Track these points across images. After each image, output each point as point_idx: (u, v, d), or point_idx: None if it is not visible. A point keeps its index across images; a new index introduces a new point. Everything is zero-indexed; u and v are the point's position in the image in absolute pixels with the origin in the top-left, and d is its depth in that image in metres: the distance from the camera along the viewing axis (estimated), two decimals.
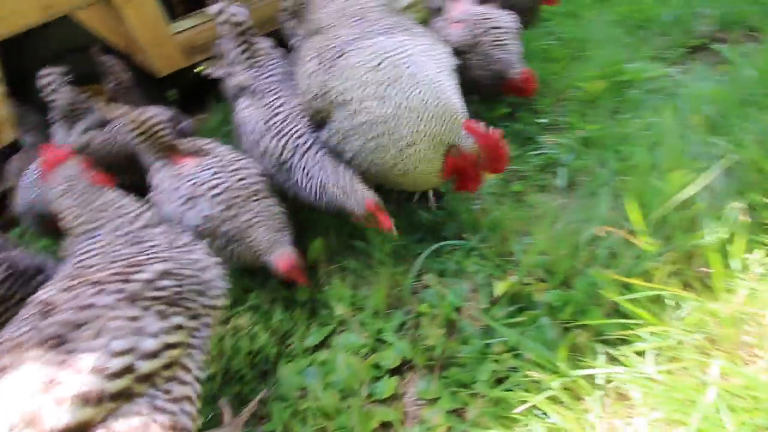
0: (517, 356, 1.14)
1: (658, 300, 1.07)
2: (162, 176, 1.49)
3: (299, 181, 1.50)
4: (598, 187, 1.52)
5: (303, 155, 1.50)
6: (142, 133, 1.50)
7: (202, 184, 1.40)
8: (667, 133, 1.47)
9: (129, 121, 1.50)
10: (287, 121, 1.56)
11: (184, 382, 0.93)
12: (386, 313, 1.43)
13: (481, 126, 1.31)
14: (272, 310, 1.58)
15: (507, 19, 1.96)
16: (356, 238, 1.65)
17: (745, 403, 0.88)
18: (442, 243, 1.51)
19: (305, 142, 1.51)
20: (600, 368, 1.00)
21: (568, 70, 2.22)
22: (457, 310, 1.35)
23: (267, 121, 1.58)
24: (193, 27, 2.74)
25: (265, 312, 1.59)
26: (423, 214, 1.71)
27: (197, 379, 0.98)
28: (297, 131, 1.54)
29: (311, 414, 1.22)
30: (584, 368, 1.02)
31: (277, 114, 1.58)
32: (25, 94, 2.69)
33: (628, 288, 1.09)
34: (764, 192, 1.20)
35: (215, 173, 1.42)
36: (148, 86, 2.72)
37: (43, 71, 2.10)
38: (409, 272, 1.49)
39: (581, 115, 1.93)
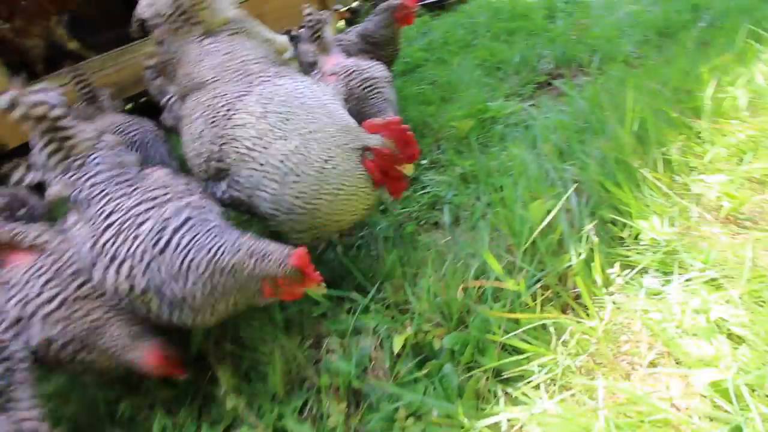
0: (423, 417, 1.07)
1: (543, 328, 1.10)
2: None
3: (175, 281, 1.10)
4: (477, 221, 1.58)
5: (163, 251, 1.11)
6: None
7: (30, 301, 1.14)
8: (526, 164, 1.61)
9: None
10: (126, 226, 1.14)
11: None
12: (285, 394, 1.28)
13: (377, 119, 1.35)
14: (150, 418, 1.33)
15: (378, 68, 2.05)
16: (243, 315, 1.48)
17: (631, 420, 0.91)
18: (337, 300, 1.43)
19: (160, 233, 1.12)
20: (501, 413, 0.98)
21: (442, 111, 2.39)
22: (364, 371, 1.26)
23: (95, 243, 1.15)
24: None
25: (143, 422, 1.33)
26: (320, 272, 1.62)
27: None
28: (143, 230, 1.13)
29: None
30: (488, 416, 0.99)
31: (108, 227, 1.15)
32: None
33: (516, 322, 1.11)
34: (611, 208, 1.34)
35: (47, 282, 1.16)
36: None
37: None
38: (307, 342, 1.37)
39: (457, 152, 2.05)
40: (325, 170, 1.30)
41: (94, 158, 1.28)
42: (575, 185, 1.38)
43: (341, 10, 3.02)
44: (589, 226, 1.19)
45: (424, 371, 1.18)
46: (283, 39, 1.86)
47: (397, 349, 1.22)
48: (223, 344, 1.44)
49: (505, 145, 1.95)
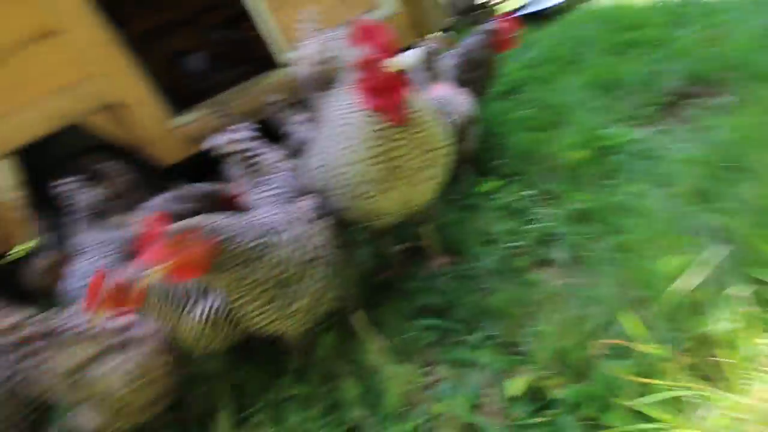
0: None
1: (679, 398, 1.05)
2: None
3: None
4: (597, 264, 1.53)
5: None
6: None
7: None
8: (655, 205, 1.51)
9: None
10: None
11: None
12: (400, 414, 1.37)
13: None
14: (287, 409, 1.52)
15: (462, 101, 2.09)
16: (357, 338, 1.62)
17: None
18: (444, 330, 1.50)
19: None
20: None
21: (549, 137, 2.32)
22: (476, 406, 1.31)
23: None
24: (193, 120, 3.04)
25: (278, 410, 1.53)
26: (426, 298, 1.71)
27: None
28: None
29: None
30: None
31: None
32: (39, 198, 2.84)
33: (645, 386, 1.07)
34: (765, 267, 1.21)
35: None
36: (153, 179, 2.86)
37: (61, 180, 2.17)
38: (420, 366, 1.46)
39: (569, 185, 1.98)
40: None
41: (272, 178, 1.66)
42: (719, 236, 1.27)
43: (439, 36, 3.09)
44: (737, 287, 1.10)
45: (541, 418, 1.19)
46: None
47: (514, 392, 1.24)
48: (346, 354, 1.58)
49: (625, 179, 1.84)
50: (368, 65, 1.17)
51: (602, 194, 1.82)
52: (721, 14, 2.99)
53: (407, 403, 1.40)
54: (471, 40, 2.47)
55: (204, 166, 2.76)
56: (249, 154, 1.68)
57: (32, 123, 2.73)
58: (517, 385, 1.24)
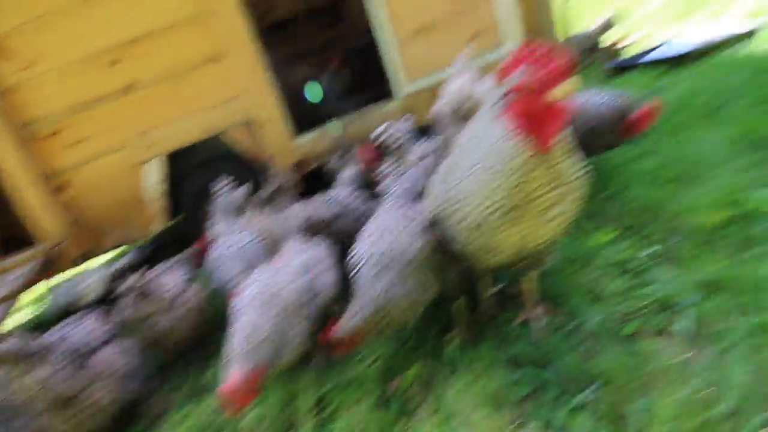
0: None
1: None
2: None
3: None
4: (729, 343, 1.35)
5: None
6: None
7: None
8: None
9: None
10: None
11: None
12: None
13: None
14: None
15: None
16: (447, 364, 1.63)
17: None
18: (545, 388, 1.43)
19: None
20: None
21: (679, 194, 2.12)
22: None
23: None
24: (311, 140, 3.42)
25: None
26: (520, 347, 1.66)
27: None
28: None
29: None
30: None
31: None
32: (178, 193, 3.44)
33: None
34: None
35: None
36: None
37: (216, 182, 2.61)
38: (509, 419, 1.41)
39: (700, 249, 1.78)
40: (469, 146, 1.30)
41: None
42: None
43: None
44: None
45: None
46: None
47: None
48: (431, 389, 1.60)
49: None
50: (530, 90, 1.09)
51: (741, 264, 1.60)
52: None
53: None
54: (596, 101, 2.29)
55: (313, 183, 3.08)
56: (399, 145, 2.04)
57: (188, 132, 3.31)
58: None
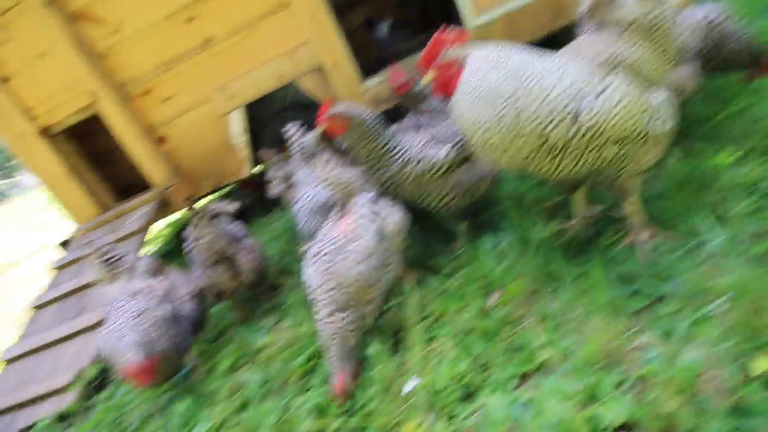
0: None
1: None
2: None
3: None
4: None
5: None
6: None
7: None
8: None
9: None
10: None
11: None
12: (601, 366, 1.39)
13: None
14: (470, 339, 1.68)
15: None
16: (556, 280, 1.65)
17: None
18: (663, 302, 1.43)
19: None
20: None
21: None
22: (695, 377, 1.24)
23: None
24: (379, 83, 3.38)
25: (463, 339, 1.70)
26: (631, 267, 1.64)
27: None
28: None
29: None
30: None
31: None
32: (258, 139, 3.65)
33: None
34: None
35: None
36: None
37: (289, 126, 2.63)
38: (623, 329, 1.44)
39: None
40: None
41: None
42: None
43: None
44: None
45: None
46: None
47: (755, 372, 1.15)
48: (535, 300, 1.65)
49: None
50: None
51: None
52: None
53: (607, 357, 1.40)
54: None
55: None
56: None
57: (263, 82, 3.39)
58: (761, 364, 1.14)
